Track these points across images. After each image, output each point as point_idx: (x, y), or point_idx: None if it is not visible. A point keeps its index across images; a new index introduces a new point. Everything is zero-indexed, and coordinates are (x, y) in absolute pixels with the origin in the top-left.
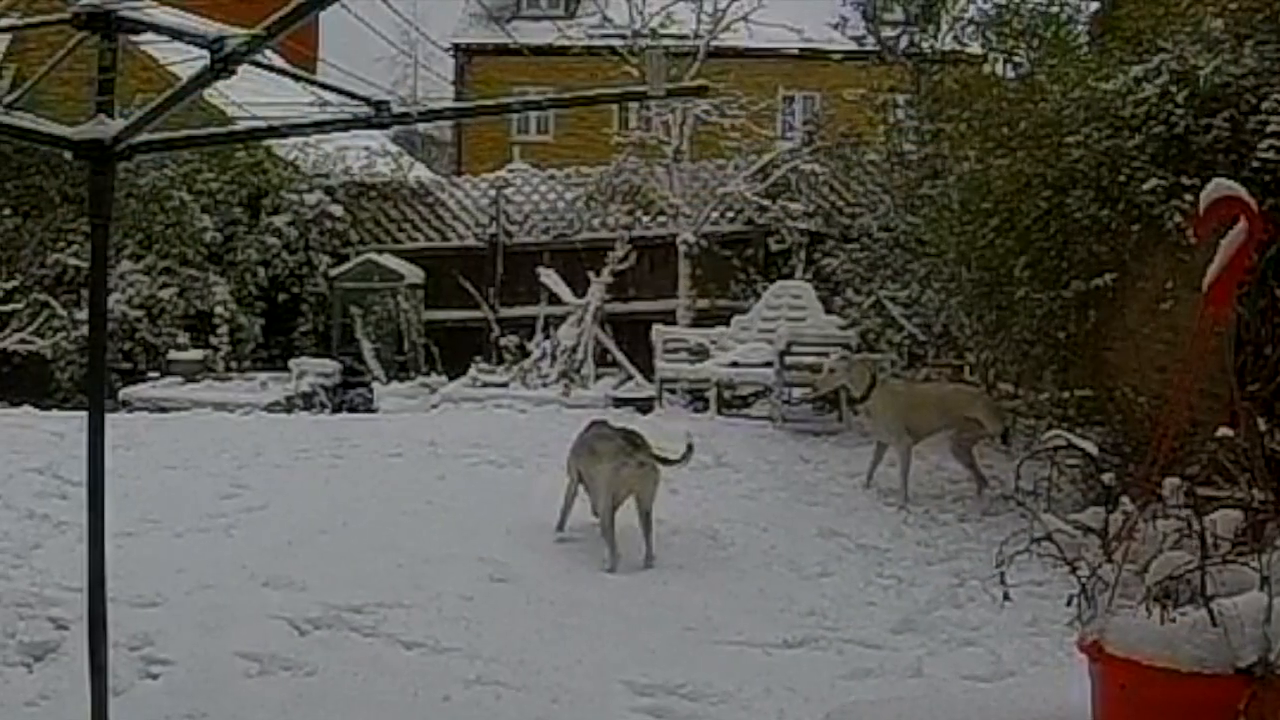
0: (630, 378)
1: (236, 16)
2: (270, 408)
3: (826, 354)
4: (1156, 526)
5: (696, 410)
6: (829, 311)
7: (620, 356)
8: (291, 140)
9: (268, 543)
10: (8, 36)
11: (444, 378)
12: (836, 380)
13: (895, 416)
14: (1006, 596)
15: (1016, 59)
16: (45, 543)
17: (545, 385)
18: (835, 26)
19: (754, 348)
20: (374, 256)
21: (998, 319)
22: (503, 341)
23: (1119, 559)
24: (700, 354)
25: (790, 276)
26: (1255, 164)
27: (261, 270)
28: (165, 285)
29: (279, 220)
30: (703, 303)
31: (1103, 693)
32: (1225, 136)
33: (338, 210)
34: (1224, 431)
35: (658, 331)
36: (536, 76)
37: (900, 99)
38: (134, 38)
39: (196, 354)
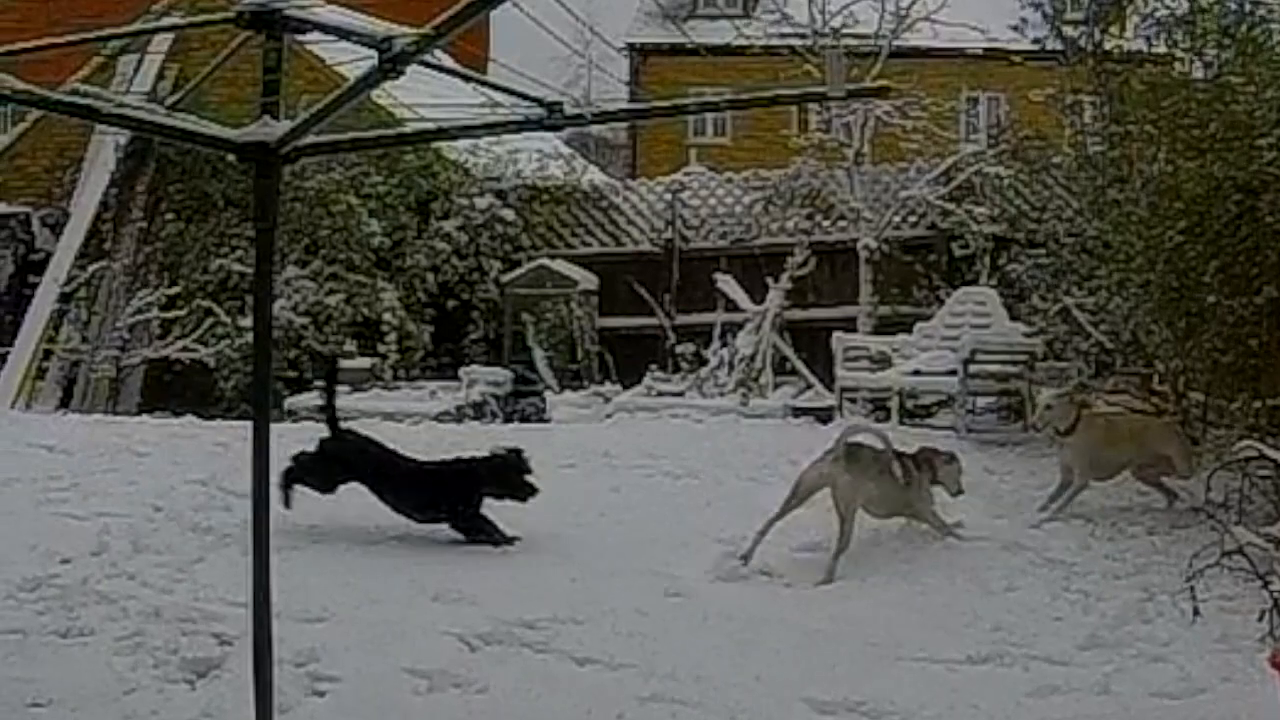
0: (809, 386)
1: (405, 16)
2: (440, 418)
3: (1013, 363)
4: None
5: (878, 420)
6: (1014, 318)
7: (799, 365)
8: (462, 143)
9: (437, 556)
10: (170, 36)
11: (618, 387)
12: (1054, 420)
13: (1097, 448)
14: (1196, 611)
15: (1206, 59)
16: (208, 556)
17: (722, 394)
18: (1015, 29)
19: (937, 356)
20: (546, 262)
21: (1187, 326)
22: (679, 349)
23: None
24: (882, 362)
25: (974, 282)
26: None
27: (431, 276)
28: (332, 292)
29: (449, 225)
30: (884, 309)
31: None
32: None
33: (509, 214)
34: None
35: (838, 339)
36: (713, 77)
37: (1087, 100)
38: (300, 37)
39: (364, 362)
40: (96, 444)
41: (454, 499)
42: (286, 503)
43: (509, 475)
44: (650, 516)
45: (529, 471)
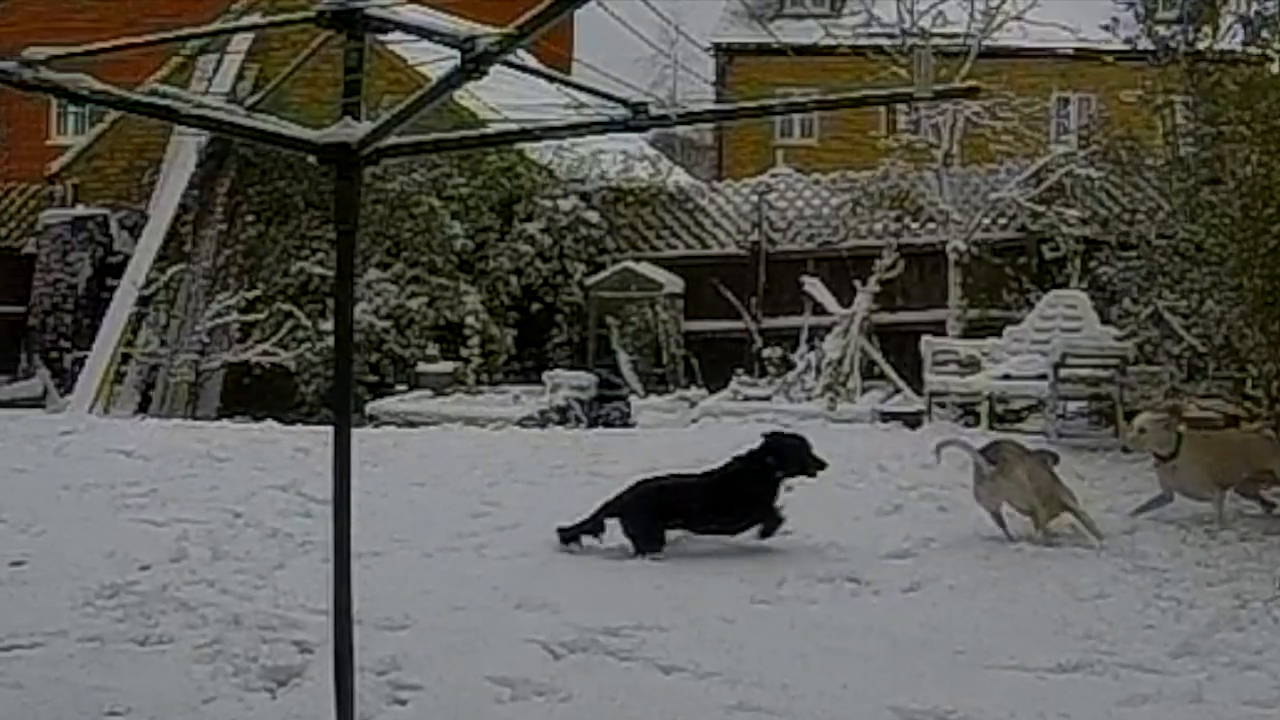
0: (898, 391)
1: (488, 15)
2: (523, 422)
3: (1104, 367)
4: None
5: (967, 425)
6: (1105, 322)
7: (887, 369)
8: (545, 144)
9: (520, 563)
10: (250, 36)
11: (704, 391)
12: (1147, 443)
13: (1204, 470)
14: None
15: None
16: (289, 563)
17: (809, 399)
18: (1106, 28)
19: (1027, 360)
20: (631, 265)
21: None
22: (765, 353)
23: None
24: (971, 366)
25: (1065, 285)
26: None
27: (514, 279)
28: (414, 295)
29: (532, 227)
30: (973, 313)
31: None
32: None
33: (593, 216)
34: None
35: (927, 343)
36: (800, 77)
37: (1179, 100)
38: (382, 37)
39: (446, 366)
40: (175, 449)
41: (762, 497)
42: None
43: (797, 454)
44: None
45: (810, 447)
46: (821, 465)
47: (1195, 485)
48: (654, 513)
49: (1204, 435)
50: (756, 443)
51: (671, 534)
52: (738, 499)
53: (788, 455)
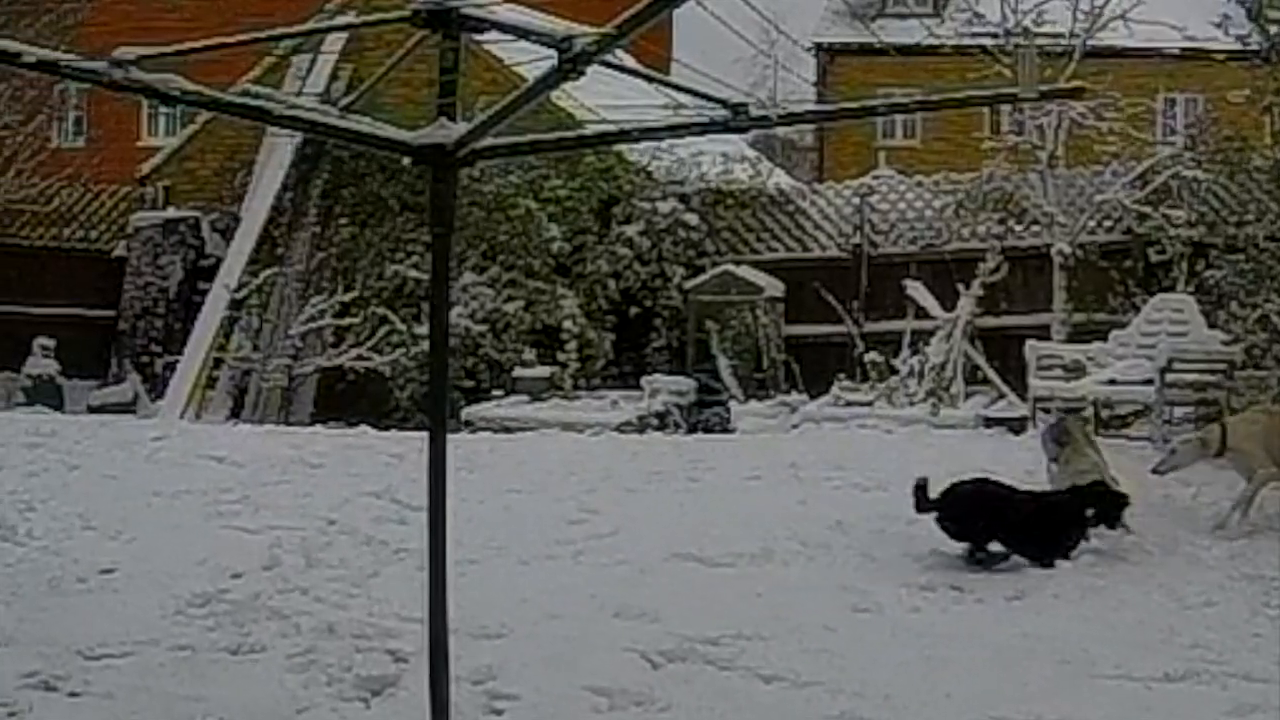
0: (1001, 396)
1: (586, 15)
2: (621, 428)
3: (1211, 372)
4: None
5: None
6: (1212, 326)
7: (991, 374)
8: (644, 145)
9: (618, 571)
10: (344, 36)
11: (805, 396)
12: (1179, 464)
13: (1257, 445)
14: None
15: None
16: (383, 570)
17: (912, 404)
18: (1217, 25)
19: (1133, 365)
20: (731, 268)
21: None
22: (867, 358)
23: None
24: (1076, 371)
25: (1171, 289)
26: None
27: (612, 282)
28: (510, 298)
29: (631, 229)
30: (1079, 317)
31: None
32: None
33: (693, 219)
34: None
35: (1031, 347)
36: (902, 77)
37: None
38: (477, 36)
39: (543, 371)
40: (268, 455)
41: (1071, 536)
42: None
43: (1112, 503)
44: (838, 530)
45: (1127, 504)
46: (1125, 528)
47: (1245, 464)
48: (975, 512)
49: (1257, 412)
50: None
51: (769, 542)
52: (1053, 529)
53: (1101, 501)
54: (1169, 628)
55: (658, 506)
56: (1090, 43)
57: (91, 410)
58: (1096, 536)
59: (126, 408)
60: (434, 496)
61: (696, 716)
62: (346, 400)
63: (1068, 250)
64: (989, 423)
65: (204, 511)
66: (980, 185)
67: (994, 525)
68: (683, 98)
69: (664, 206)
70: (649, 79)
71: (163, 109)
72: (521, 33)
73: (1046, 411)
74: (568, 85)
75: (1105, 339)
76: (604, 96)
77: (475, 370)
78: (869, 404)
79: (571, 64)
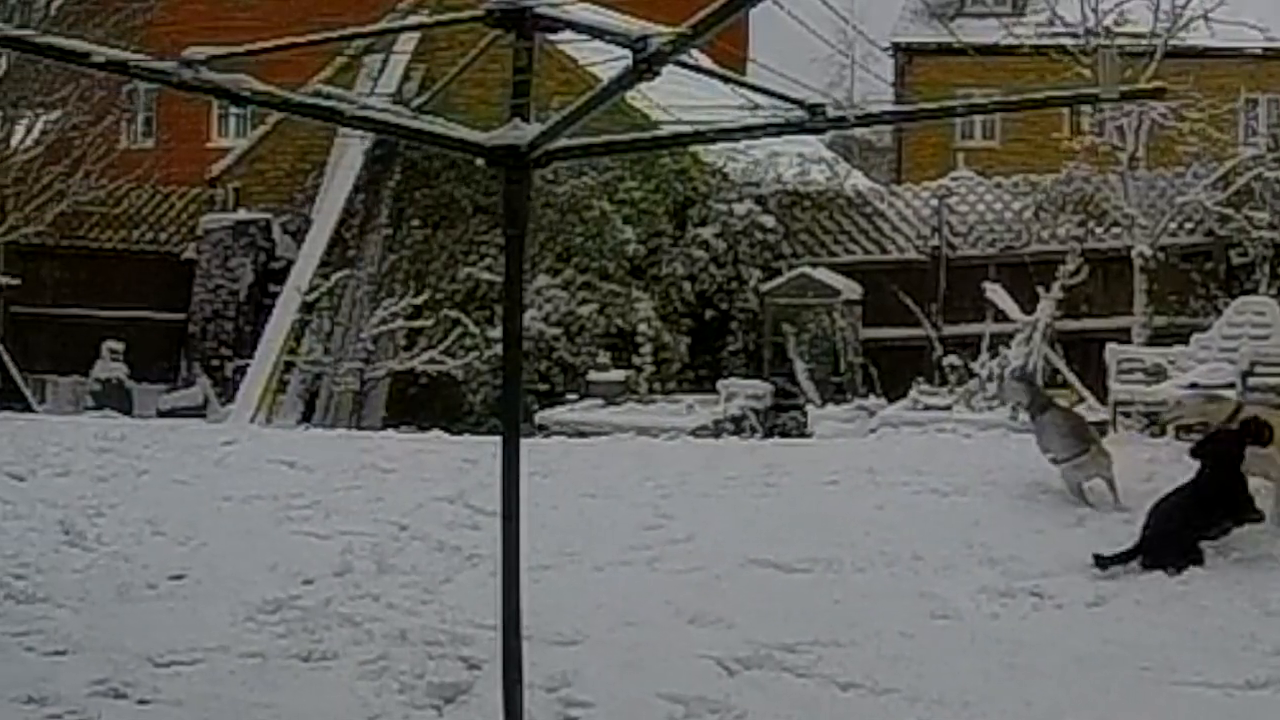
0: (1082, 400)
1: (661, 14)
2: (697, 432)
3: None
4: None
5: (1153, 435)
6: None
7: (1071, 377)
8: (719, 146)
9: (693, 576)
10: (416, 36)
11: (882, 400)
12: (1184, 415)
13: None
14: None
15: None
16: (456, 577)
17: (991, 408)
18: None
19: (1215, 368)
20: (808, 270)
21: None
22: (945, 361)
23: None
24: (1157, 375)
25: (1254, 292)
26: None
27: (687, 285)
28: (584, 301)
29: (706, 232)
30: (1160, 320)
31: None
32: None
33: (769, 221)
34: None
35: (1112, 351)
36: (981, 78)
37: None
38: (551, 36)
39: (618, 375)
40: (339, 460)
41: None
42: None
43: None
44: (916, 535)
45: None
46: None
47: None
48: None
49: (1273, 407)
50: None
51: (846, 548)
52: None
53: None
54: (1250, 634)
55: (733, 512)
56: (1171, 43)
57: (161, 414)
58: None
59: (196, 412)
60: (507, 501)
61: None
62: (419, 404)
63: (1148, 252)
64: None
65: (275, 517)
66: (1060, 187)
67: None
68: (759, 98)
69: (740, 208)
70: (725, 79)
71: (233, 110)
72: (596, 32)
73: (1127, 416)
74: (642, 86)
75: (1186, 342)
76: (679, 97)
77: (549, 374)
78: (947, 408)
79: (646, 64)
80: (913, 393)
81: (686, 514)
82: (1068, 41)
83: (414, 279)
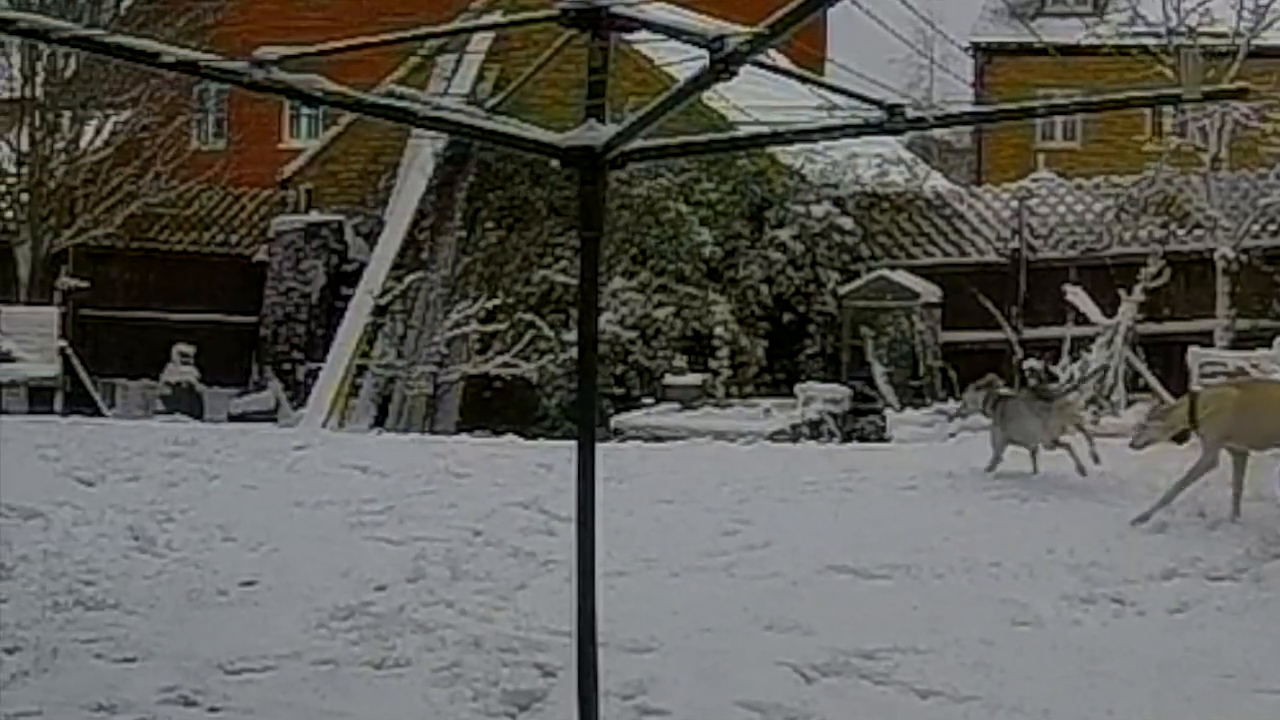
0: (1163, 403)
1: (738, 14)
2: (774, 436)
3: None
4: None
5: None
6: None
7: (1153, 381)
8: (797, 147)
9: (771, 583)
10: (489, 35)
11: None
12: (1154, 437)
13: (1219, 425)
14: None
15: None
16: (531, 583)
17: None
18: None
19: None
20: (887, 273)
21: None
22: (1026, 365)
23: None
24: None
25: None
26: None
27: (765, 288)
28: (661, 304)
29: (784, 234)
30: (1242, 323)
31: None
32: None
33: (847, 223)
34: None
35: (1194, 354)
36: (1061, 78)
37: None
38: (627, 36)
39: (694, 378)
40: (412, 465)
41: None
42: None
43: None
44: (996, 541)
45: None
46: None
47: (1203, 439)
48: None
49: (1228, 386)
50: None
51: (925, 554)
52: None
53: None
54: None
55: (811, 517)
56: (1255, 42)
57: (232, 418)
58: (1260, 550)
59: (267, 416)
60: (583, 507)
61: None
62: (493, 408)
63: (1231, 255)
64: None
65: (347, 522)
66: (1141, 188)
67: None
68: (837, 99)
69: (818, 210)
70: (802, 79)
71: (305, 110)
72: (672, 32)
73: None
74: (719, 86)
75: (1270, 345)
76: (756, 97)
77: (625, 377)
78: None
79: (723, 64)
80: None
81: (764, 519)
82: (1149, 41)
83: (488, 281)
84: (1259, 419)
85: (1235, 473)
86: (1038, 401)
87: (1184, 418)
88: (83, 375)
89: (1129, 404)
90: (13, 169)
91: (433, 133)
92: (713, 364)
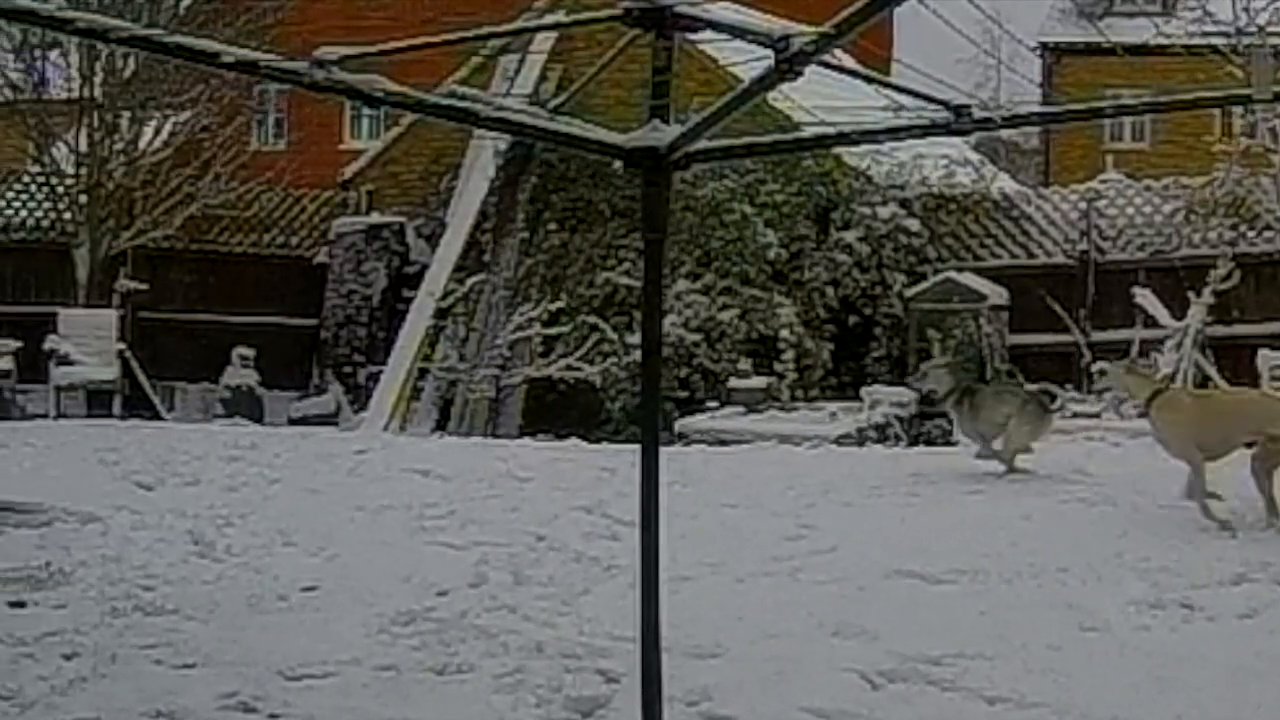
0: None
1: (803, 13)
2: (840, 440)
3: None
4: None
5: None
6: None
7: (1222, 384)
8: (862, 148)
9: (836, 588)
10: (552, 35)
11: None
12: (1108, 381)
13: (1178, 429)
14: None
15: None
16: (594, 588)
17: (1141, 415)
18: None
19: None
20: (953, 275)
21: None
22: (1094, 368)
23: None
24: None
25: None
26: None
27: (830, 290)
28: (725, 307)
29: (850, 235)
30: None
31: None
32: None
33: (914, 224)
34: None
35: (1264, 357)
36: (1130, 78)
37: None
38: (691, 36)
39: (759, 381)
40: (475, 469)
41: None
42: None
43: None
44: (1063, 545)
45: None
46: None
47: (1171, 445)
48: None
49: (1184, 394)
50: None
51: (992, 558)
52: None
53: None
54: None
55: (877, 521)
56: None
57: (292, 422)
58: None
59: (328, 419)
60: (646, 511)
61: None
62: (556, 412)
63: None
64: None
65: (408, 527)
66: (1211, 190)
67: None
68: (903, 99)
69: (884, 212)
70: (868, 80)
71: (366, 111)
72: (737, 32)
73: None
74: (784, 86)
75: None
76: (822, 98)
77: (689, 381)
78: (1096, 415)
79: (789, 64)
80: (1060, 399)
81: (829, 524)
82: (1219, 41)
83: (551, 284)
84: (1210, 429)
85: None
86: (1007, 395)
87: (1142, 393)
88: (141, 378)
89: None
90: (71, 170)
91: (495, 134)
92: (778, 367)
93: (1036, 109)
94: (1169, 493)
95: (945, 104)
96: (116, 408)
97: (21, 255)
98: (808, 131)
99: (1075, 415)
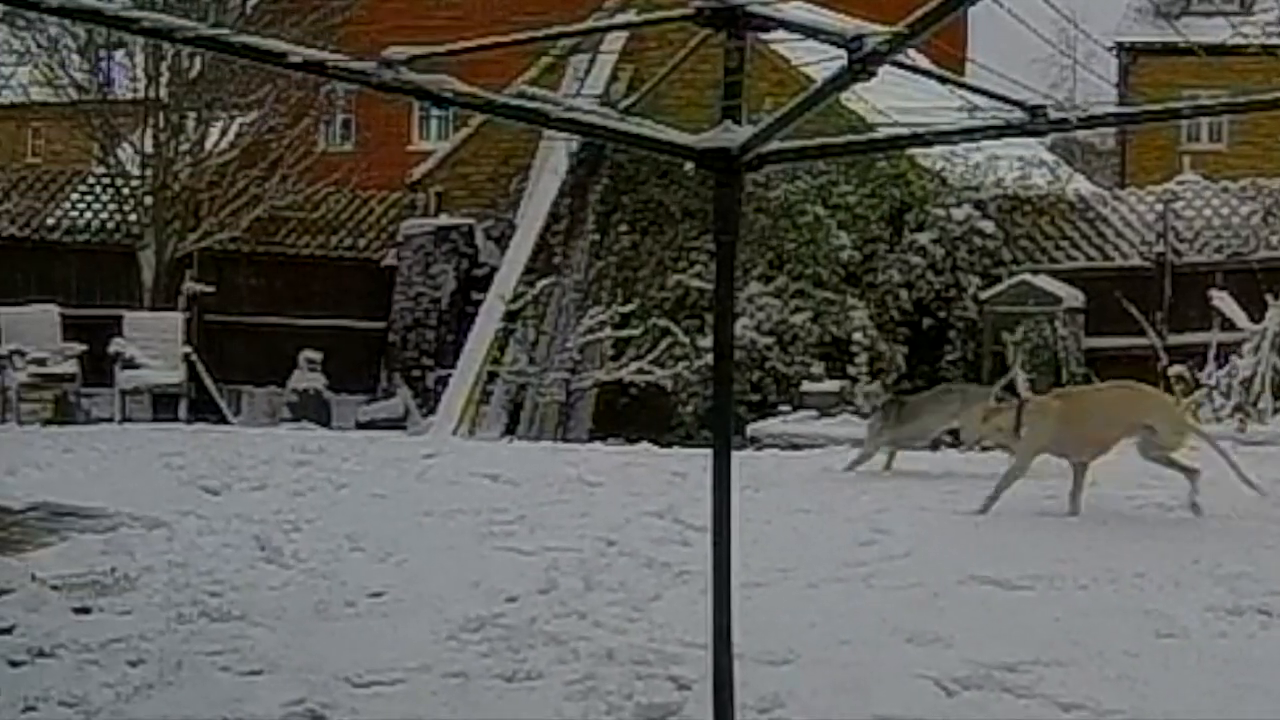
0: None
1: (877, 13)
2: None
3: None
4: None
5: None
6: None
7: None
8: (937, 149)
9: (910, 594)
10: (623, 35)
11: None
12: (985, 438)
13: (1038, 436)
14: None
15: None
16: (665, 594)
17: (1219, 420)
18: None
19: None
20: (1029, 277)
21: None
22: (1171, 371)
23: None
24: None
25: None
26: None
27: (904, 293)
28: (798, 309)
29: (924, 237)
30: None
31: None
32: None
33: (989, 226)
34: None
35: None
36: (1207, 78)
37: None
38: (763, 35)
39: (832, 385)
40: (544, 473)
41: None
42: None
43: None
44: (1140, 551)
45: None
46: None
47: (1021, 443)
48: None
49: (1051, 398)
50: None
51: (1068, 564)
52: None
53: None
54: None
55: (952, 527)
56: None
57: (360, 426)
58: None
59: (396, 423)
60: (718, 516)
61: None
62: (627, 416)
63: None
64: None
65: (477, 532)
66: None
67: None
68: (978, 99)
69: (958, 213)
70: (943, 80)
71: (434, 112)
72: (810, 31)
73: None
74: (858, 87)
75: None
76: (895, 98)
77: (761, 384)
78: None
79: (862, 64)
80: None
81: (904, 529)
82: None
83: (621, 286)
84: (1080, 429)
85: (1074, 480)
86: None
87: (1011, 422)
88: (207, 382)
89: (1276, 412)
90: (137, 171)
91: (565, 135)
92: (851, 370)
93: (1113, 109)
94: (1245, 498)
95: (1020, 104)
96: (182, 411)
97: (86, 258)
98: (881, 132)
99: None
